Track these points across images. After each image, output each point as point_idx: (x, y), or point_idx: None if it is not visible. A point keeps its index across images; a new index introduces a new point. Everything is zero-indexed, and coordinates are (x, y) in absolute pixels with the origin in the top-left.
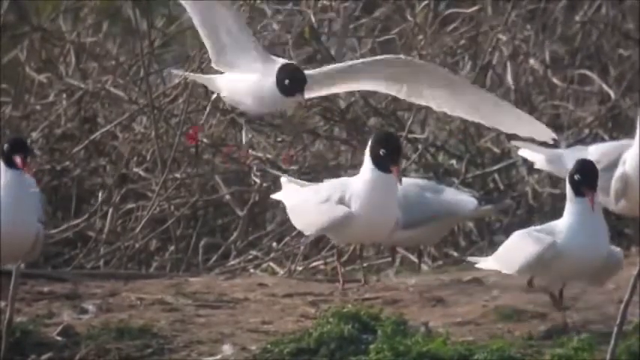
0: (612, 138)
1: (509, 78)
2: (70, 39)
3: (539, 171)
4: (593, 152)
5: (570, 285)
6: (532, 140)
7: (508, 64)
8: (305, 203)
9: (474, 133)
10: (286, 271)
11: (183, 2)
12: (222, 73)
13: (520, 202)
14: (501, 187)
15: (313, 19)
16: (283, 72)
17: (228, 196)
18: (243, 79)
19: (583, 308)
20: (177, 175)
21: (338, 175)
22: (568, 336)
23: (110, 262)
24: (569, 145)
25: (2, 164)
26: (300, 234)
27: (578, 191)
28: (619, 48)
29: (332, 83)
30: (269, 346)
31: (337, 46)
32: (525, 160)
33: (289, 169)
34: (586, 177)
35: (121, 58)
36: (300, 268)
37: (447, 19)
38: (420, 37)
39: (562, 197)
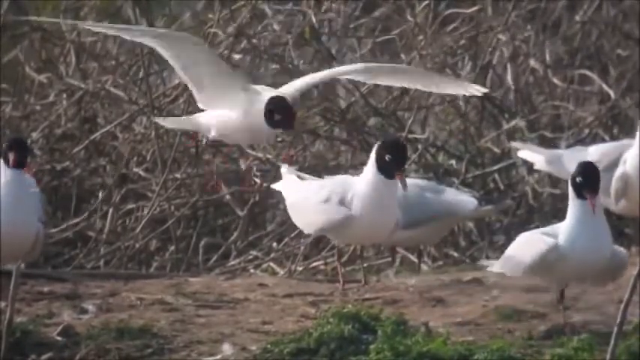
0: (612, 138)
1: (509, 78)
2: (70, 39)
3: (539, 171)
4: (594, 153)
5: (571, 285)
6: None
7: (508, 64)
8: (305, 201)
9: (473, 134)
10: (286, 272)
11: (160, 50)
12: (203, 110)
13: (520, 202)
14: (501, 187)
15: (313, 19)
16: (272, 106)
17: (228, 196)
18: (230, 116)
19: (583, 308)
20: (178, 175)
21: None
22: (568, 336)
23: (110, 262)
24: (568, 146)
25: (2, 164)
26: (300, 234)
27: (579, 194)
28: (619, 48)
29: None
30: (269, 346)
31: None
32: (525, 161)
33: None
34: (587, 180)
35: (121, 58)
36: (300, 269)
37: (447, 19)
38: (420, 37)
39: (562, 197)
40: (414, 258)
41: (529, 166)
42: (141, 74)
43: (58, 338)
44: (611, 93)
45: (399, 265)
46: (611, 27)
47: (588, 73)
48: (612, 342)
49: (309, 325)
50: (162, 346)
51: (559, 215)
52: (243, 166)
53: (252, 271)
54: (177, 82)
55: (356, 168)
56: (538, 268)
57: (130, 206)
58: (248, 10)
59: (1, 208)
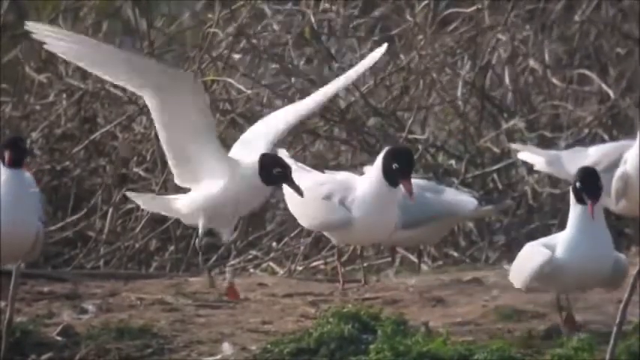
0: (612, 137)
1: (507, 79)
2: None
3: (538, 171)
4: (593, 153)
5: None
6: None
7: (506, 65)
8: (306, 193)
9: (473, 133)
10: (286, 271)
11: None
12: (183, 192)
13: (520, 202)
14: (501, 187)
15: (313, 19)
16: (266, 162)
17: None
18: (220, 186)
19: (583, 308)
20: None
21: None
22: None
23: (110, 262)
24: (568, 146)
25: (2, 164)
26: (300, 234)
27: (579, 199)
28: (618, 47)
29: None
30: (269, 346)
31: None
32: (525, 161)
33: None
34: (587, 185)
35: None
36: (300, 268)
37: (446, 19)
38: (420, 37)
39: (562, 197)
40: (414, 258)
41: (529, 166)
42: None
43: (58, 338)
44: (611, 93)
45: (398, 265)
46: (610, 27)
47: (587, 72)
48: (612, 342)
49: (309, 324)
50: (162, 346)
51: (559, 215)
52: None
53: (252, 270)
54: None
55: (356, 168)
56: (537, 281)
57: (130, 206)
58: (247, 10)
59: (1, 208)
